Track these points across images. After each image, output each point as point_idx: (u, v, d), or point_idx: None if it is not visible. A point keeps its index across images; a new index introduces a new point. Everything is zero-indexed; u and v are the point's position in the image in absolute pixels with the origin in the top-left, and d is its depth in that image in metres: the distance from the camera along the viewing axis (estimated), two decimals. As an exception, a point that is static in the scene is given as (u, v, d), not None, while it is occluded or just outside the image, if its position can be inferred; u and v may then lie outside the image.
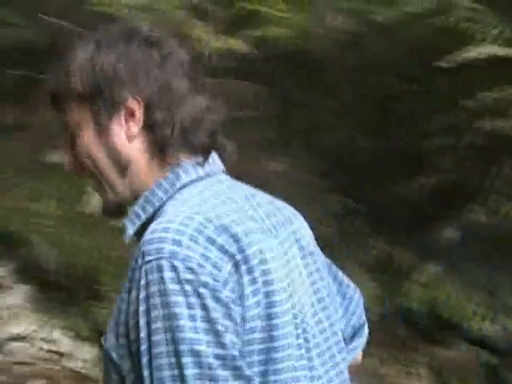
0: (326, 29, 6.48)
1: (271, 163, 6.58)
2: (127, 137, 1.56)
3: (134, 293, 1.41)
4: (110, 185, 1.60)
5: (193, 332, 1.35)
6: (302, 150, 6.66)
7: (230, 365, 1.36)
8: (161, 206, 1.53)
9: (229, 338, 1.37)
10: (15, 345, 6.12)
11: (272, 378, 1.45)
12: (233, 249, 1.42)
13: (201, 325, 1.35)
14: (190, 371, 1.34)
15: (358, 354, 1.84)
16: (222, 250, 1.41)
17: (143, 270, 1.39)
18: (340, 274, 1.82)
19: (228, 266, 1.41)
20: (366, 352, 1.96)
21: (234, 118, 4.70)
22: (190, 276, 1.36)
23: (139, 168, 1.57)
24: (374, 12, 6.41)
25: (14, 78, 7.69)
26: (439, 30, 6.24)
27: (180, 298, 1.35)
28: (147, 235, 1.43)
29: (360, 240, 6.58)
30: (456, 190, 6.79)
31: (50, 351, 6.09)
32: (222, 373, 1.35)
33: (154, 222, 1.46)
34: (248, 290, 1.43)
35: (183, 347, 1.34)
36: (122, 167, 1.57)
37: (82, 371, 6.00)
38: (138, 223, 1.55)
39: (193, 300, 1.35)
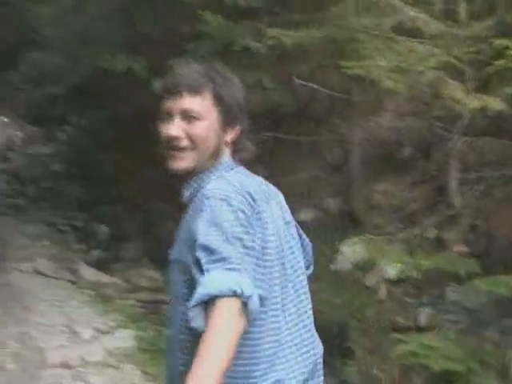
0: None
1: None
2: (224, 140, 2.50)
3: (198, 215, 2.30)
4: (197, 158, 2.43)
5: (234, 227, 2.24)
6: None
7: (245, 243, 2.25)
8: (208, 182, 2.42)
9: (250, 237, 2.28)
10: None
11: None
12: (252, 203, 2.37)
13: (238, 225, 2.26)
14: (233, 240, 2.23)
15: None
16: (248, 202, 2.35)
17: (208, 202, 2.29)
18: (301, 231, 2.71)
19: (250, 210, 2.34)
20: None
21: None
22: (233, 207, 2.29)
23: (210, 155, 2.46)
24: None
25: (262, 140, 7.05)
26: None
27: (229, 214, 2.27)
28: (209, 190, 2.35)
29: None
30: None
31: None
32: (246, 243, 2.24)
33: (209, 185, 2.38)
34: (257, 225, 2.35)
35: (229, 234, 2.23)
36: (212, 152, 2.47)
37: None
38: (191, 190, 2.47)
39: (234, 215, 2.27)
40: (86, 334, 7.08)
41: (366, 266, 7.41)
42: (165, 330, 2.87)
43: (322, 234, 8.20)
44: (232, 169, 2.50)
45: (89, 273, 9.08)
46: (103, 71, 9.96)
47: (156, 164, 2.57)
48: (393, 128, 7.50)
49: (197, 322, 2.13)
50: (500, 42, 6.17)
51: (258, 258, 2.29)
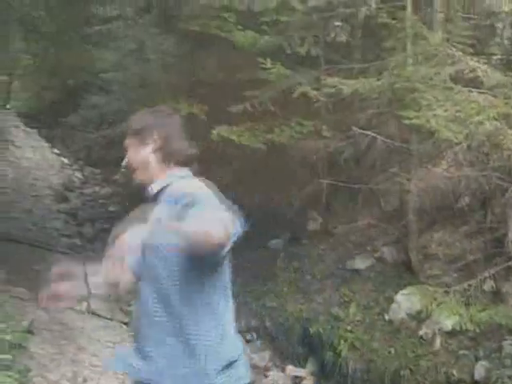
0: None
1: None
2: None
3: (174, 208, 2.99)
4: (144, 175, 3.33)
5: (213, 209, 2.88)
6: None
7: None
8: (169, 184, 3.26)
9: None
10: None
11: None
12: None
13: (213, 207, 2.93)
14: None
15: None
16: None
17: (186, 197, 2.97)
18: None
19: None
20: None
21: None
22: (205, 199, 2.97)
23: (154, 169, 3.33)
24: None
25: (322, 187, 7.26)
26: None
27: (206, 201, 2.93)
28: (178, 190, 3.14)
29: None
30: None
31: None
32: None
33: (174, 186, 3.22)
34: None
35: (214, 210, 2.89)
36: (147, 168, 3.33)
37: None
38: (158, 188, 3.27)
39: (208, 202, 2.92)
40: (138, 376, 7.06)
41: (420, 317, 7.32)
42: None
43: (377, 283, 8.22)
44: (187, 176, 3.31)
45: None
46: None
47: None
48: (450, 177, 7.46)
49: None
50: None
51: None
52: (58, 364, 7.09)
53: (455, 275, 7.66)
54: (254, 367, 8.43)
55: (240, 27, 9.08)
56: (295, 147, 8.69)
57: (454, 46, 7.46)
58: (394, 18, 7.78)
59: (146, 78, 11.25)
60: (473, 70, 7.29)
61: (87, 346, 7.71)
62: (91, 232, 13.24)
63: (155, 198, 3.31)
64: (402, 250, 8.19)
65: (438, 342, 7.04)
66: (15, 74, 23.19)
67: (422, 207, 7.86)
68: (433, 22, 8.08)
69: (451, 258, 7.81)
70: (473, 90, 7.24)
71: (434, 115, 6.94)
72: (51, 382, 6.61)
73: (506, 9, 8.97)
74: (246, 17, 9.15)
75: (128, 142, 3.40)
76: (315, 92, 8.23)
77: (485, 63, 7.43)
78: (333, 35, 8.59)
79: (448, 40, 7.61)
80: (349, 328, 7.64)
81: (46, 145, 19.87)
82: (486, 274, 7.23)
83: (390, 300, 7.67)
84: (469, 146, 7.17)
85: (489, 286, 7.26)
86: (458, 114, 6.96)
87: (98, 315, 8.88)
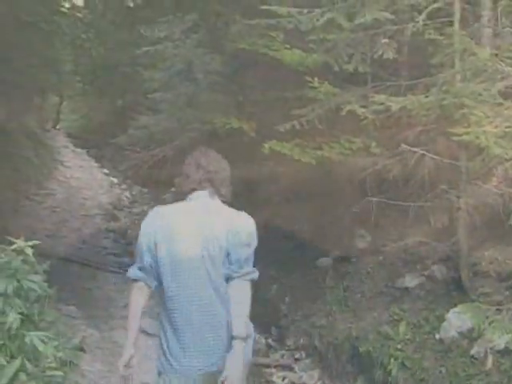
0: None
1: None
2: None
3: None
4: None
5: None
6: None
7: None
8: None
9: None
10: None
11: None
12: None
13: None
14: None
15: None
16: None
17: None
18: None
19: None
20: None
21: None
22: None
23: None
24: None
25: (371, 205, 7.18)
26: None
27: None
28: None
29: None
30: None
31: None
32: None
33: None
34: None
35: None
36: None
37: None
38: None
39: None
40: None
41: (472, 335, 7.22)
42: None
43: (427, 301, 8.12)
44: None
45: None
46: (209, 134, 10.18)
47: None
48: (501, 194, 7.39)
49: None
50: None
51: None
52: (109, 382, 7.15)
53: (507, 293, 7.55)
54: (303, 386, 8.42)
55: (287, 46, 9.12)
56: (343, 164, 8.70)
57: (502, 62, 7.39)
58: (441, 34, 7.74)
59: (193, 98, 11.33)
60: (522, 85, 7.24)
61: (137, 364, 7.78)
62: (140, 251, 13.32)
63: None
64: (452, 267, 8.11)
65: (490, 361, 6.94)
66: (65, 95, 23.63)
67: (472, 224, 7.78)
68: (481, 37, 8.03)
69: (503, 276, 7.71)
70: (523, 105, 7.18)
71: (484, 131, 6.89)
72: (102, 400, 6.70)
73: (556, 23, 8.89)
74: (294, 35, 9.17)
75: None
76: (363, 109, 8.22)
77: (534, 77, 7.37)
78: (380, 52, 8.55)
79: (497, 55, 7.54)
80: (399, 347, 7.56)
81: (95, 164, 20.16)
82: (539, 292, 7.14)
83: (441, 318, 7.57)
84: (519, 162, 7.10)
85: (542, 304, 7.17)
86: (508, 130, 6.90)
87: (148, 333, 8.93)
